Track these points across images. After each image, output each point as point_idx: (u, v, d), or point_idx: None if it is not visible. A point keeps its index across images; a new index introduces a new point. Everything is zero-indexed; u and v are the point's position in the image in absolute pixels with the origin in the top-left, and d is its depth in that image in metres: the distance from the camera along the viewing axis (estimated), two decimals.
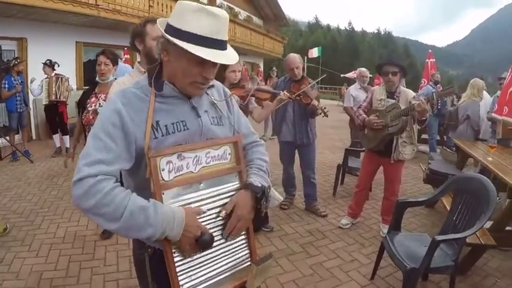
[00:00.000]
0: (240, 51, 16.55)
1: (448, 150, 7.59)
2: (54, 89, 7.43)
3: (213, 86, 1.61)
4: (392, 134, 3.87)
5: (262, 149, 1.72)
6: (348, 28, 65.79)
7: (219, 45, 1.34)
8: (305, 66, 28.17)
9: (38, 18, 9.27)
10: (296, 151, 4.79)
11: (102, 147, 1.26)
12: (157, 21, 1.44)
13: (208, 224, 1.41)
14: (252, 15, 24.29)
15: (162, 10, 13.11)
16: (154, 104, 1.37)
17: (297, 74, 4.40)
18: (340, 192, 5.60)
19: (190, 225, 1.29)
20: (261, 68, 22.87)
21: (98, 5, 9.98)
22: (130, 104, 1.34)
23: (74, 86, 9.78)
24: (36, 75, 7.87)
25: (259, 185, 1.49)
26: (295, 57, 4.50)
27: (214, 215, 1.44)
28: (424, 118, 3.64)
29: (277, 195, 1.94)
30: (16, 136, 7.95)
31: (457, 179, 3.16)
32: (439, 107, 7.98)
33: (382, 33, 67.32)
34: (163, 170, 1.31)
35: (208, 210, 1.42)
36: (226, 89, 1.74)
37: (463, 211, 2.93)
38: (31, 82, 7.58)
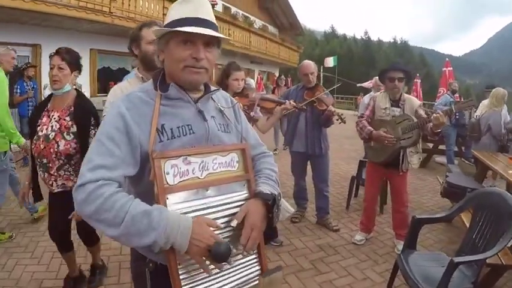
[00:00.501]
0: (255, 60, 16.72)
1: (467, 162, 7.37)
2: None
3: (218, 90, 1.57)
4: (404, 147, 3.71)
5: (271, 160, 1.67)
6: (364, 37, 65.48)
7: (201, 23, 1.33)
8: (321, 75, 28.16)
9: (52, 25, 9.36)
10: (309, 162, 4.64)
11: (105, 152, 1.23)
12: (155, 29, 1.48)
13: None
14: (267, 24, 24.31)
15: None
16: (160, 107, 1.35)
17: (311, 80, 4.28)
18: (354, 205, 5.40)
19: (199, 233, 1.21)
20: (276, 76, 22.77)
21: (112, 13, 10.06)
22: (135, 108, 1.32)
23: (87, 93, 9.80)
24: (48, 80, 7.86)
25: (269, 193, 1.42)
26: (309, 63, 4.40)
27: (224, 225, 1.35)
28: (439, 130, 3.47)
29: (288, 206, 1.89)
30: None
31: (476, 194, 2.98)
32: (457, 117, 7.73)
33: (399, 42, 66.78)
34: (167, 173, 1.26)
35: (218, 218, 1.34)
36: (233, 99, 1.70)
37: (483, 228, 2.74)
38: (44, 89, 7.61)
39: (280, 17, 26.65)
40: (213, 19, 1.38)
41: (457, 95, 8.45)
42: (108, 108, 2.35)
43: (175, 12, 1.35)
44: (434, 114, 3.37)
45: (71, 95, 2.79)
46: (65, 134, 2.63)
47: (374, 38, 69.31)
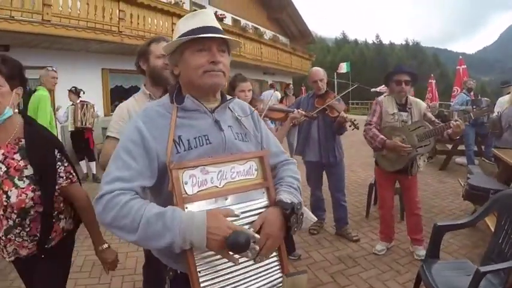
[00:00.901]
0: (268, 71, 16.70)
1: (487, 161, 7.14)
2: (79, 115, 7.50)
3: (233, 99, 1.59)
4: (420, 155, 3.59)
5: (293, 167, 1.67)
6: (375, 41, 65.04)
7: (211, 30, 1.39)
8: (335, 82, 28.06)
9: (62, 47, 9.47)
10: (324, 172, 4.53)
11: (122, 166, 1.29)
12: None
13: None
14: (278, 35, 24.31)
15: None
16: (176, 119, 1.39)
17: (320, 87, 4.20)
18: (374, 214, 5.23)
19: (215, 226, 1.21)
20: (291, 86, 22.61)
21: (121, 32, 10.12)
22: (152, 122, 1.38)
23: (101, 113, 9.87)
24: (62, 102, 8.02)
25: (289, 202, 1.40)
26: (318, 70, 4.31)
27: (239, 213, 1.35)
28: (458, 137, 3.40)
29: (310, 215, 1.87)
30: None
31: (500, 196, 2.83)
32: (468, 120, 7.52)
33: (410, 44, 66.09)
34: (186, 183, 1.29)
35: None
36: (251, 107, 1.72)
37: (509, 233, 2.60)
38: (57, 110, 7.64)
39: (290, 26, 26.67)
40: (220, 27, 1.44)
41: (472, 93, 8.23)
42: (112, 126, 2.31)
43: (183, 27, 1.42)
44: (454, 122, 3.28)
45: (16, 122, 1.86)
46: (16, 179, 1.77)
47: (386, 41, 68.90)
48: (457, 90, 9.76)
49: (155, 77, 2.39)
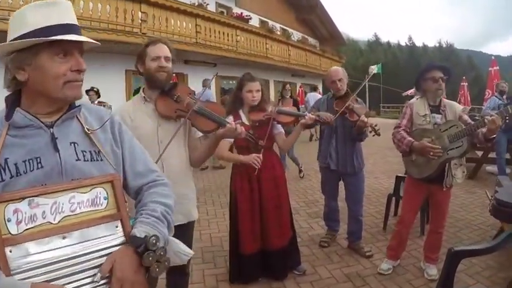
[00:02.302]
0: (297, 74, 16.56)
1: None
2: None
3: (80, 106, 1.31)
4: (452, 159, 3.24)
5: (162, 189, 1.41)
6: (408, 43, 63.57)
7: (74, 30, 1.20)
8: (366, 85, 27.71)
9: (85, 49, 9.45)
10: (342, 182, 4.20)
11: None
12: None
13: None
14: (307, 36, 24.04)
15: (210, 35, 13.10)
16: (6, 138, 1.14)
17: (340, 87, 3.86)
18: (392, 226, 4.82)
19: None
20: (320, 90, 21.98)
21: (144, 34, 10.08)
22: None
23: None
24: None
25: (142, 236, 1.15)
26: (337, 69, 4.00)
27: (88, 280, 1.09)
28: (494, 136, 3.01)
29: (183, 248, 1.41)
30: None
31: None
32: (507, 120, 7.03)
33: (444, 46, 64.16)
34: (9, 220, 1.03)
35: (81, 272, 1.08)
36: (113, 116, 1.44)
37: None
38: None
39: (320, 28, 26.38)
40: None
41: (505, 96, 7.70)
42: None
43: (33, 18, 1.15)
44: (489, 117, 2.90)
45: None
46: None
47: (419, 43, 67.19)
48: (489, 93, 9.22)
49: (149, 80, 2.33)
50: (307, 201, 6.15)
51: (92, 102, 7.76)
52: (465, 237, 4.49)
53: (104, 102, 7.76)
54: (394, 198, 5.03)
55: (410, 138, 3.30)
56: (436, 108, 3.37)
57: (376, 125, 3.54)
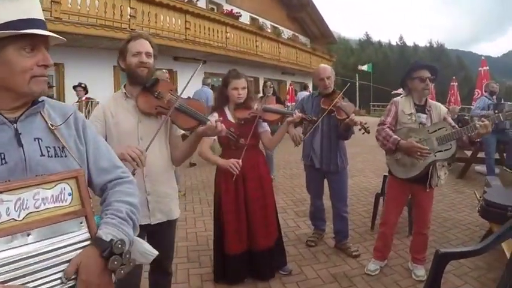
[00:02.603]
0: (287, 71, 16.55)
1: (509, 170, 6.64)
2: (84, 112, 7.42)
3: (43, 102, 1.28)
4: (439, 161, 3.20)
5: (127, 187, 1.39)
6: (399, 43, 63.72)
7: (41, 25, 1.18)
8: (357, 84, 27.86)
9: (73, 44, 9.34)
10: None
11: None
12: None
13: None
14: (298, 34, 23.96)
15: (200, 32, 12.98)
16: None
17: (327, 85, 3.81)
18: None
19: None
20: (311, 88, 21.90)
21: (133, 30, 9.95)
22: None
23: None
24: (71, 99, 8.10)
25: (108, 239, 1.15)
26: (325, 67, 3.95)
27: (54, 277, 1.07)
28: (479, 140, 3.01)
29: (147, 248, 1.38)
30: None
31: None
32: (496, 121, 7.03)
33: (434, 45, 64.44)
34: None
35: (46, 269, 1.06)
36: (77, 112, 1.42)
37: None
38: None
39: (311, 26, 26.34)
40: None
41: (495, 96, 7.70)
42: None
43: (1, 13, 1.13)
44: (480, 123, 2.89)
45: None
46: None
47: (409, 43, 67.48)
48: (479, 93, 9.22)
49: (130, 76, 2.28)
50: (295, 199, 6.10)
51: (80, 98, 7.68)
52: (453, 237, 4.45)
53: (92, 99, 7.67)
54: (382, 197, 4.99)
55: (396, 136, 3.23)
56: (421, 108, 3.33)
57: (365, 123, 3.51)
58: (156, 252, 1.38)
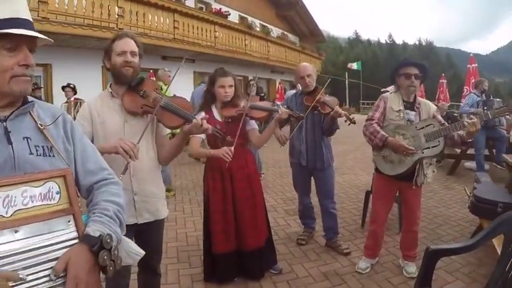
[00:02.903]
0: (276, 70, 16.54)
1: (498, 166, 6.67)
2: (73, 113, 7.34)
3: (33, 103, 1.30)
4: (427, 158, 3.18)
5: (113, 188, 1.41)
6: (388, 41, 63.98)
7: (24, 24, 1.18)
8: (346, 82, 28.03)
9: (60, 44, 9.24)
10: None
11: None
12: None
13: None
14: (287, 33, 23.97)
15: (188, 31, 12.90)
16: None
17: (308, 83, 3.81)
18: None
19: None
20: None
21: (121, 29, 9.85)
22: None
23: None
24: (59, 100, 8.12)
25: (96, 235, 1.16)
26: (306, 65, 3.95)
27: (41, 274, 1.06)
28: (471, 140, 3.05)
29: (134, 247, 1.40)
30: None
31: (509, 217, 2.41)
32: (484, 118, 7.05)
33: (423, 43, 64.80)
34: None
35: (34, 266, 1.06)
36: (65, 113, 1.44)
37: None
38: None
39: (300, 24, 26.33)
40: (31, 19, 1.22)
41: (484, 94, 7.72)
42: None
43: None
44: (468, 120, 2.87)
45: None
46: None
47: (399, 41, 67.84)
48: (467, 90, 9.26)
49: (115, 75, 2.27)
50: (285, 198, 6.07)
51: (68, 98, 7.61)
52: (444, 233, 4.45)
53: (81, 99, 7.59)
54: (372, 195, 4.98)
55: (383, 133, 3.22)
56: (410, 105, 3.32)
57: (350, 114, 3.50)
58: (143, 252, 1.39)
